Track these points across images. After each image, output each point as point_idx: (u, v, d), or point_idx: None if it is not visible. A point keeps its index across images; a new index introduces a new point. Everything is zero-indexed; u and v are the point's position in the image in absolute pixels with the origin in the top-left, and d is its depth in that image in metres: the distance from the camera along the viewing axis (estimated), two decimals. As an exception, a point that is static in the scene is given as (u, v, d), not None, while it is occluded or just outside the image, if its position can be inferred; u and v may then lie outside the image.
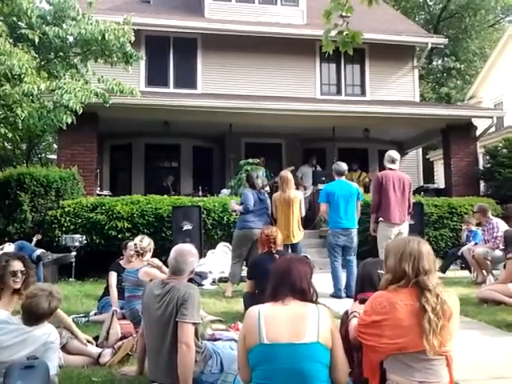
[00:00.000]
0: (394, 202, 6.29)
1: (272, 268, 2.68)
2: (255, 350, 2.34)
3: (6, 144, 15.09)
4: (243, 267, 6.87)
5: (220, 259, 8.30)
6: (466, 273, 8.18)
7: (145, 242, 5.07)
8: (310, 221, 9.69)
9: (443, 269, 8.15)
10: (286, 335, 2.30)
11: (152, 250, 5.18)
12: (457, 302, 2.38)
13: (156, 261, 5.04)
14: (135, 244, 5.08)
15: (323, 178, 10.34)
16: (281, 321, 2.35)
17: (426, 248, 2.41)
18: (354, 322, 2.57)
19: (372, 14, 10.94)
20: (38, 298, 3.13)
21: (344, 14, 4.06)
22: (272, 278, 2.59)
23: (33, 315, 3.10)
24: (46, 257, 7.04)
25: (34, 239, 8.03)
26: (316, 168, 12.09)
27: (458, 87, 24.72)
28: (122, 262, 5.68)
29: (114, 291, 5.28)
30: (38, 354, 2.98)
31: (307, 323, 2.33)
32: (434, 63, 26.84)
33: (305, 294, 2.47)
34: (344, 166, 6.86)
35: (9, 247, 6.59)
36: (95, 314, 5.33)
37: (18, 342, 3.02)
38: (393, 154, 6.60)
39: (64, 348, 3.67)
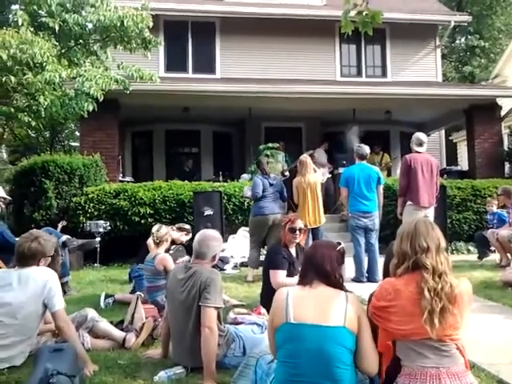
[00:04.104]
0: (423, 185, 6.19)
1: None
2: (281, 329, 2.37)
3: (29, 132, 15.33)
4: (262, 251, 6.96)
5: (241, 244, 8.35)
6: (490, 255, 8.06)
7: (162, 231, 5.06)
8: (328, 205, 9.63)
9: (481, 256, 8.00)
10: (312, 316, 2.33)
11: (169, 240, 5.18)
12: (468, 288, 2.30)
13: None
14: (152, 233, 5.10)
15: (344, 162, 10.25)
16: (308, 302, 2.39)
17: (425, 226, 2.35)
18: None
19: (393, -8, 10.71)
20: (24, 240, 3.43)
21: (363, -7, 3.99)
22: (302, 262, 2.68)
23: (19, 256, 3.40)
24: (72, 243, 7.16)
25: (59, 225, 8.16)
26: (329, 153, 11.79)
27: (482, 66, 24.04)
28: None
29: None
30: (40, 293, 3.25)
31: (334, 307, 2.34)
32: (457, 42, 26.14)
33: (328, 276, 2.47)
34: (366, 149, 6.76)
35: (36, 233, 6.72)
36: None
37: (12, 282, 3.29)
38: (421, 136, 6.48)
39: (90, 331, 3.78)
